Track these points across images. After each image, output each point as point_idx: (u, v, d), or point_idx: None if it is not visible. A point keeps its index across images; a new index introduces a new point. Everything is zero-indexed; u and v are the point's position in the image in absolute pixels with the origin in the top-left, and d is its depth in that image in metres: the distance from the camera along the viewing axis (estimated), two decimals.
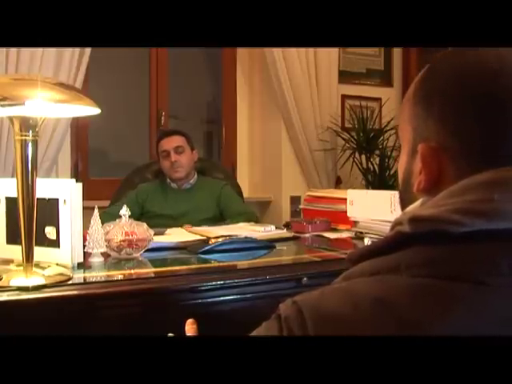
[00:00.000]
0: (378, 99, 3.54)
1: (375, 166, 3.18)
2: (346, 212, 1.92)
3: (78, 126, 3.02)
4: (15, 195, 1.07)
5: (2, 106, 0.98)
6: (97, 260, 1.34)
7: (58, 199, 1.26)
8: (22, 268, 1.07)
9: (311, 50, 3.19)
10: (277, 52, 3.06)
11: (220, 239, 1.57)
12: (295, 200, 3.19)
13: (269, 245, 1.62)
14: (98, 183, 3.02)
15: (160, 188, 2.47)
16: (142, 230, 1.43)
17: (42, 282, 1.07)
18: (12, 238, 1.29)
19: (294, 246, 1.76)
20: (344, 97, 3.42)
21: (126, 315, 1.12)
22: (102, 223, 1.37)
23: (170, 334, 0.82)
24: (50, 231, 1.26)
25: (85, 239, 1.32)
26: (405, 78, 3.61)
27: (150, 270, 1.39)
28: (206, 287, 1.18)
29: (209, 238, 1.61)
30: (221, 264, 1.44)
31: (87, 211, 1.31)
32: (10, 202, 1.28)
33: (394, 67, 3.64)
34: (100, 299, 1.11)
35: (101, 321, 1.10)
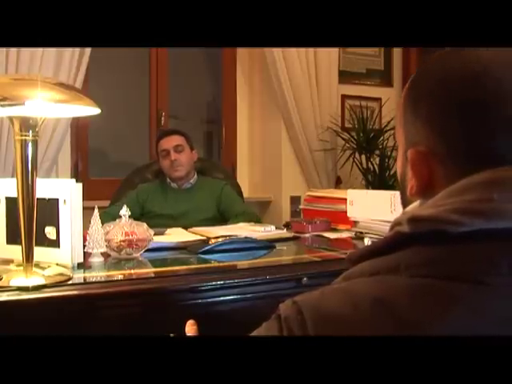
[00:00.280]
0: (378, 99, 3.54)
1: (375, 166, 3.18)
2: (346, 212, 1.92)
3: (78, 126, 3.02)
4: (15, 195, 1.07)
5: (2, 105, 0.98)
6: (97, 260, 1.34)
7: (57, 199, 1.26)
8: (22, 268, 1.07)
9: (311, 49, 3.19)
10: (277, 52, 3.06)
11: (220, 239, 1.57)
12: (295, 200, 3.19)
13: (269, 245, 1.62)
14: (98, 183, 3.02)
15: (160, 188, 2.47)
16: (141, 229, 1.43)
17: (42, 281, 1.07)
18: (12, 237, 1.29)
19: (293, 246, 1.76)
20: (344, 97, 3.42)
21: (126, 315, 1.12)
22: (102, 223, 1.37)
23: (172, 335, 0.82)
24: (49, 231, 1.26)
25: (85, 239, 1.32)
26: (405, 78, 3.61)
27: (150, 270, 1.39)
28: (206, 287, 1.18)
29: (209, 238, 1.62)
30: (221, 264, 1.44)
31: (87, 211, 1.31)
32: (10, 202, 1.28)
33: (394, 67, 3.64)
34: (100, 299, 1.11)
35: (101, 321, 1.10)
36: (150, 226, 1.49)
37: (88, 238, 1.33)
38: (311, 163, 3.24)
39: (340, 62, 3.39)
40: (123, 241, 1.39)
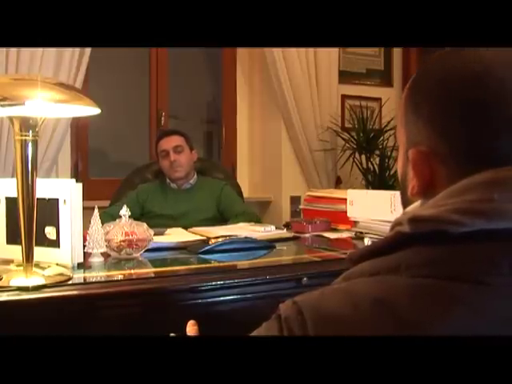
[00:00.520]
0: (378, 99, 3.54)
1: (375, 166, 3.18)
2: (346, 212, 1.92)
3: (78, 126, 3.02)
4: (15, 195, 1.07)
5: (2, 105, 0.98)
6: (97, 260, 1.34)
7: (57, 199, 1.26)
8: (22, 268, 1.07)
9: (311, 49, 3.19)
10: (277, 52, 3.06)
11: (220, 239, 1.57)
12: (295, 200, 3.19)
13: (269, 245, 1.62)
14: (98, 183, 3.02)
15: (160, 188, 2.47)
16: (141, 230, 1.43)
17: (42, 282, 1.07)
18: (12, 238, 1.29)
19: (294, 246, 1.76)
20: (344, 97, 3.42)
21: (126, 315, 1.12)
22: (102, 223, 1.37)
23: (172, 334, 0.82)
24: (49, 231, 1.26)
25: (85, 239, 1.32)
26: (405, 78, 3.61)
27: (150, 270, 1.39)
28: (206, 287, 1.18)
29: (209, 238, 1.62)
30: (221, 264, 1.44)
31: (87, 211, 1.31)
32: (10, 202, 1.28)
33: (394, 67, 3.64)
34: (100, 299, 1.11)
35: (101, 321, 1.10)
36: (150, 226, 1.49)
37: (88, 238, 1.33)
38: (311, 163, 3.24)
39: (340, 62, 3.38)
40: (123, 241, 1.39)
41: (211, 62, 3.57)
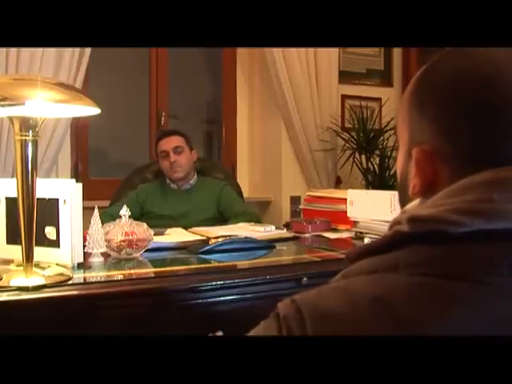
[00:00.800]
0: (378, 99, 3.54)
1: (375, 166, 3.18)
2: (346, 212, 1.92)
3: (78, 126, 3.02)
4: (15, 195, 1.07)
5: (2, 105, 0.98)
6: (97, 260, 1.34)
7: (57, 199, 1.26)
8: (22, 268, 1.07)
9: (311, 49, 3.19)
10: (277, 52, 3.06)
11: (220, 239, 1.57)
12: (295, 200, 3.19)
13: (269, 245, 1.62)
14: (98, 183, 3.02)
15: (160, 189, 2.47)
16: (141, 230, 1.43)
17: (42, 282, 1.07)
18: (12, 238, 1.29)
19: (294, 246, 1.76)
20: (344, 97, 3.42)
21: (125, 315, 1.12)
22: (102, 223, 1.37)
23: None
24: (50, 231, 1.26)
25: (85, 239, 1.32)
26: (405, 77, 3.61)
27: (150, 270, 1.39)
28: (206, 287, 1.18)
29: (209, 238, 1.62)
30: (221, 264, 1.44)
31: (87, 211, 1.31)
32: (10, 202, 1.28)
33: (394, 67, 3.64)
34: (100, 299, 1.11)
35: (101, 321, 1.10)
36: (150, 226, 1.49)
37: (88, 238, 1.33)
38: (311, 163, 3.24)
39: (340, 62, 3.38)
40: (123, 241, 1.39)
41: (211, 62, 3.57)
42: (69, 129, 2.78)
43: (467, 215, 0.49)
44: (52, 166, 2.69)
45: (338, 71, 3.33)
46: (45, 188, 1.23)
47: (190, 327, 1.14)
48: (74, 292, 1.09)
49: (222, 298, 1.20)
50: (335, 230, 1.95)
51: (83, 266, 1.29)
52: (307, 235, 1.91)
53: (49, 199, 1.26)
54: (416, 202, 0.60)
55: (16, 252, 1.17)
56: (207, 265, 1.42)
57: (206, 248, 1.51)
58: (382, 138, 3.18)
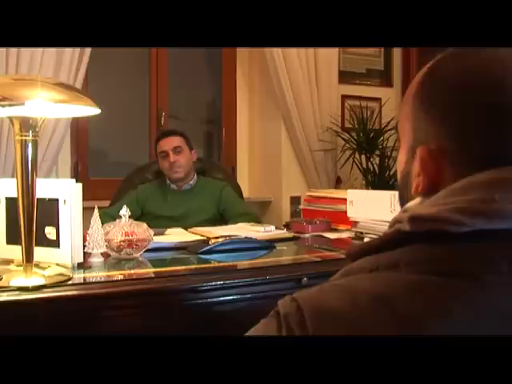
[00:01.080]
0: (378, 99, 3.54)
1: (375, 166, 3.18)
2: (346, 212, 1.92)
3: (78, 126, 3.02)
4: (15, 195, 1.07)
5: (2, 106, 0.98)
6: (97, 260, 1.34)
7: (57, 199, 1.26)
8: (22, 268, 1.07)
9: (311, 49, 3.19)
10: (277, 52, 3.06)
11: (220, 239, 1.57)
12: (295, 200, 3.19)
13: (269, 245, 1.62)
14: (98, 183, 3.02)
15: (160, 189, 2.47)
16: (141, 230, 1.43)
17: (42, 282, 1.07)
18: (12, 237, 1.29)
19: (294, 246, 1.76)
20: (344, 97, 3.42)
21: (125, 315, 1.12)
22: (102, 223, 1.37)
23: None
24: (50, 231, 1.26)
25: (85, 239, 1.32)
26: (405, 77, 3.61)
27: (150, 270, 1.39)
28: (206, 287, 1.18)
29: (209, 239, 1.61)
30: (221, 264, 1.44)
31: (87, 211, 1.31)
32: (10, 202, 1.28)
33: (393, 67, 3.64)
34: (100, 299, 1.11)
35: (101, 321, 1.10)
36: (150, 227, 1.49)
37: (88, 238, 1.33)
38: (311, 163, 3.24)
39: (340, 62, 3.39)
40: (123, 241, 1.39)
41: (211, 62, 3.57)
42: (69, 129, 2.78)
43: (468, 215, 0.49)
44: (52, 166, 2.69)
45: (337, 71, 3.34)
46: (45, 188, 1.23)
47: (190, 327, 1.14)
48: (74, 292, 1.09)
49: (221, 298, 1.20)
50: (335, 230, 1.95)
51: (83, 266, 1.29)
52: (307, 235, 1.91)
53: (49, 199, 1.26)
54: (416, 200, 0.60)
55: (16, 252, 1.17)
56: (207, 265, 1.42)
57: (206, 248, 1.51)
58: (382, 138, 3.18)
